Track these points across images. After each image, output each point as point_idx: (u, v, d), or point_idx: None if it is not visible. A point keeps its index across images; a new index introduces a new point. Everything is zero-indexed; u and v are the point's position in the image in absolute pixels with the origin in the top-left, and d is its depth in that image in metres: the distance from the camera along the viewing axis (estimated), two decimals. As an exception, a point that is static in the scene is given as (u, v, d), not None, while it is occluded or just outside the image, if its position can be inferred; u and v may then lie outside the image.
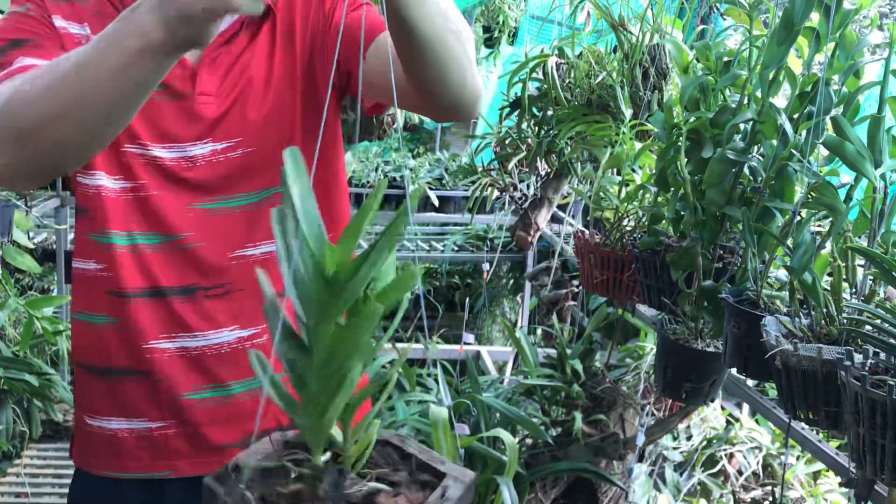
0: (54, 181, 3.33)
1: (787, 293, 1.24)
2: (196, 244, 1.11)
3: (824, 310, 1.16)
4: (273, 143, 1.14)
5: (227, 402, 1.14)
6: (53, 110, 0.84)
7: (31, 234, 2.46)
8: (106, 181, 1.09)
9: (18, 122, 0.86)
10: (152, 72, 0.83)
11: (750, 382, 1.65)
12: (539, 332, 3.18)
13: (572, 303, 2.81)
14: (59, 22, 1.06)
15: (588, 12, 2.49)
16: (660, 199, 1.56)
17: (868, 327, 1.06)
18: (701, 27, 2.15)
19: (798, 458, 2.27)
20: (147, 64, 0.82)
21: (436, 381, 2.81)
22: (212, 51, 1.12)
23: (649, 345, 2.36)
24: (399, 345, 3.53)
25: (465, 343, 2.39)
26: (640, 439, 1.80)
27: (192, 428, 1.13)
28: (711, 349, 1.44)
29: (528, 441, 2.24)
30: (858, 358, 0.99)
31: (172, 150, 1.10)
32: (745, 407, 2.60)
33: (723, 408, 2.62)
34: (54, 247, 3.72)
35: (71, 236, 4.03)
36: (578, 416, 2.09)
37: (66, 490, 3.10)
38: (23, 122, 0.85)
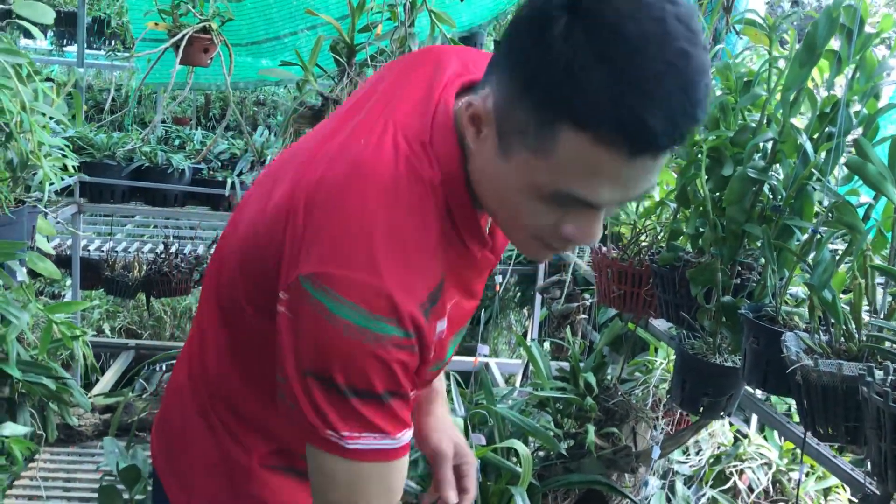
0: (72, 190, 3.37)
1: (807, 310, 1.27)
2: None
3: (843, 327, 1.18)
4: None
5: None
6: None
7: (48, 240, 2.48)
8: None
9: None
10: None
11: (760, 395, 1.67)
12: (547, 344, 3.19)
13: (583, 316, 2.83)
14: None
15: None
16: (679, 215, 1.58)
17: (888, 344, 1.09)
18: (715, 46, 2.18)
19: (808, 474, 2.28)
20: None
21: (447, 391, 2.82)
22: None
23: (658, 359, 2.38)
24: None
25: (481, 355, 2.41)
26: (656, 453, 1.81)
27: None
28: (729, 364, 1.46)
29: (541, 453, 2.26)
30: (879, 374, 1.01)
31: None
32: (753, 422, 2.60)
33: (731, 423, 2.63)
34: (68, 252, 3.76)
35: (83, 243, 4.06)
36: (591, 428, 2.11)
37: (76, 494, 3.06)
38: None
